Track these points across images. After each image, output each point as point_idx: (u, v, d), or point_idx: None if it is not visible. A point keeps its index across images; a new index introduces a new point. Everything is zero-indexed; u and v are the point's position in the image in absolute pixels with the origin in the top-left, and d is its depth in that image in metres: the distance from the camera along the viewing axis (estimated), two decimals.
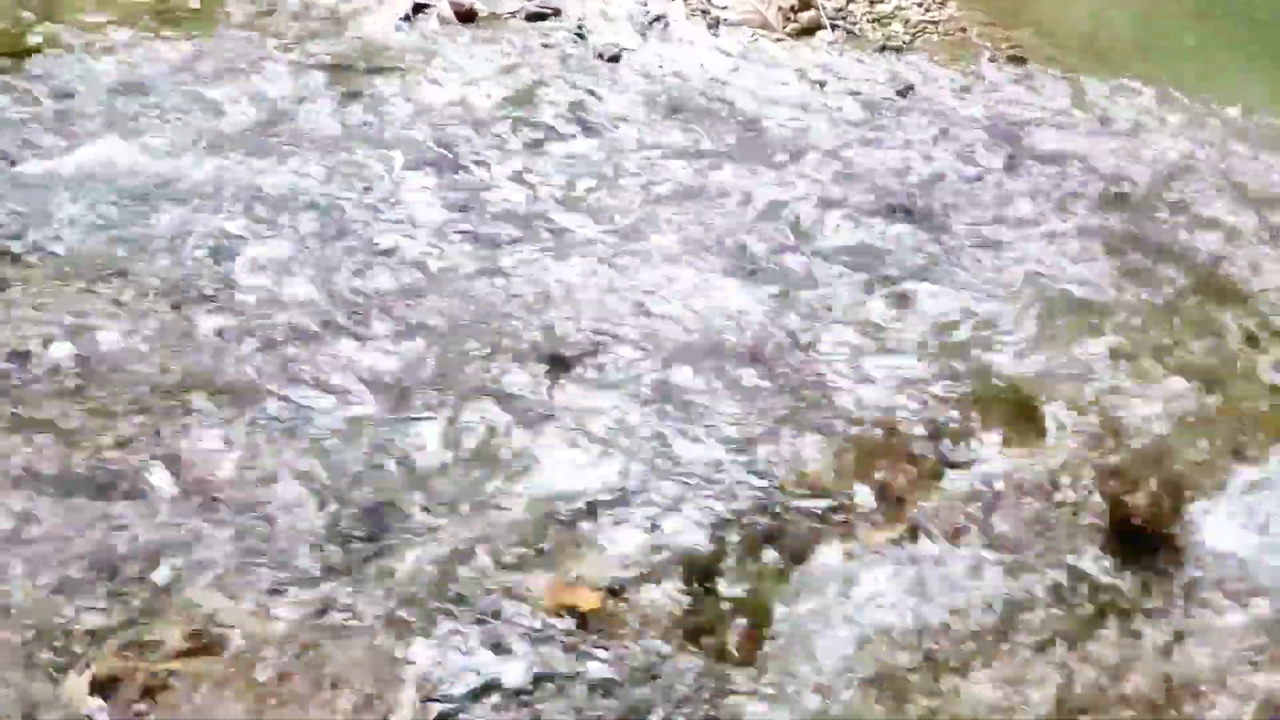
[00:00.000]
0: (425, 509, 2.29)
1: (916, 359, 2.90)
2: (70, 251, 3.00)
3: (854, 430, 2.67)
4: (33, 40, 4.01)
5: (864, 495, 2.50)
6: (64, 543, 2.12)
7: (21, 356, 2.62)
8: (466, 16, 4.67)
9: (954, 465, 2.61)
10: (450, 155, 3.70)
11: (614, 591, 2.15)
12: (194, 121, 3.68)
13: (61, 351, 2.61)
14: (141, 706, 1.85)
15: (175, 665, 1.90)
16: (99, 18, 4.30)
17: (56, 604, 1.99)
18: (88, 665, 1.87)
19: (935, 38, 4.89)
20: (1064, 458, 2.66)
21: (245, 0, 4.55)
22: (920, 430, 2.69)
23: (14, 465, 2.30)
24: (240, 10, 4.50)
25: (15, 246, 3.00)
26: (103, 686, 1.85)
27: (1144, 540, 2.50)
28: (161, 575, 2.07)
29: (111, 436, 2.42)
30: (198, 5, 4.48)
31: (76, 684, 1.83)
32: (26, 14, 4.20)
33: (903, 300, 3.11)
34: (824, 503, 2.47)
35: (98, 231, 3.09)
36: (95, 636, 1.92)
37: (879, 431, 2.68)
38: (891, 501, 2.51)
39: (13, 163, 3.37)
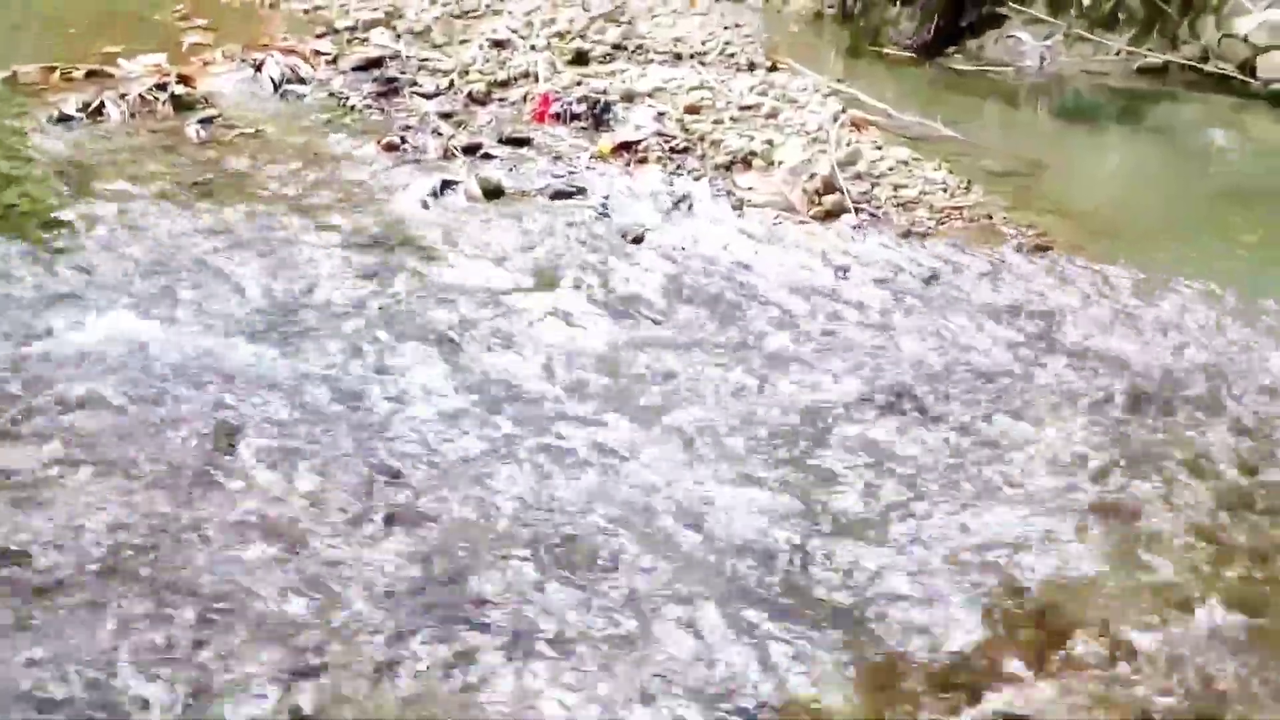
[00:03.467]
0: None
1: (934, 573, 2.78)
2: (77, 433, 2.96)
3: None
4: (64, 215, 4.07)
5: None
6: None
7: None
8: (492, 193, 4.74)
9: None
10: (461, 337, 3.67)
11: None
12: (213, 301, 3.69)
13: None
14: None
15: None
16: (132, 189, 4.39)
17: None
18: None
19: (960, 224, 4.90)
20: None
21: (277, 173, 4.66)
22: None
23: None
24: (272, 183, 4.59)
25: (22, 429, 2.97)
26: None
27: None
28: None
29: None
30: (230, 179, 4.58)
31: None
32: (62, 186, 4.30)
33: (912, 511, 3.00)
34: None
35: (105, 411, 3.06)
36: None
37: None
38: None
39: (34, 340, 3.37)
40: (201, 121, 5.02)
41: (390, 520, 2.81)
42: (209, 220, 4.21)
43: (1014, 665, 2.56)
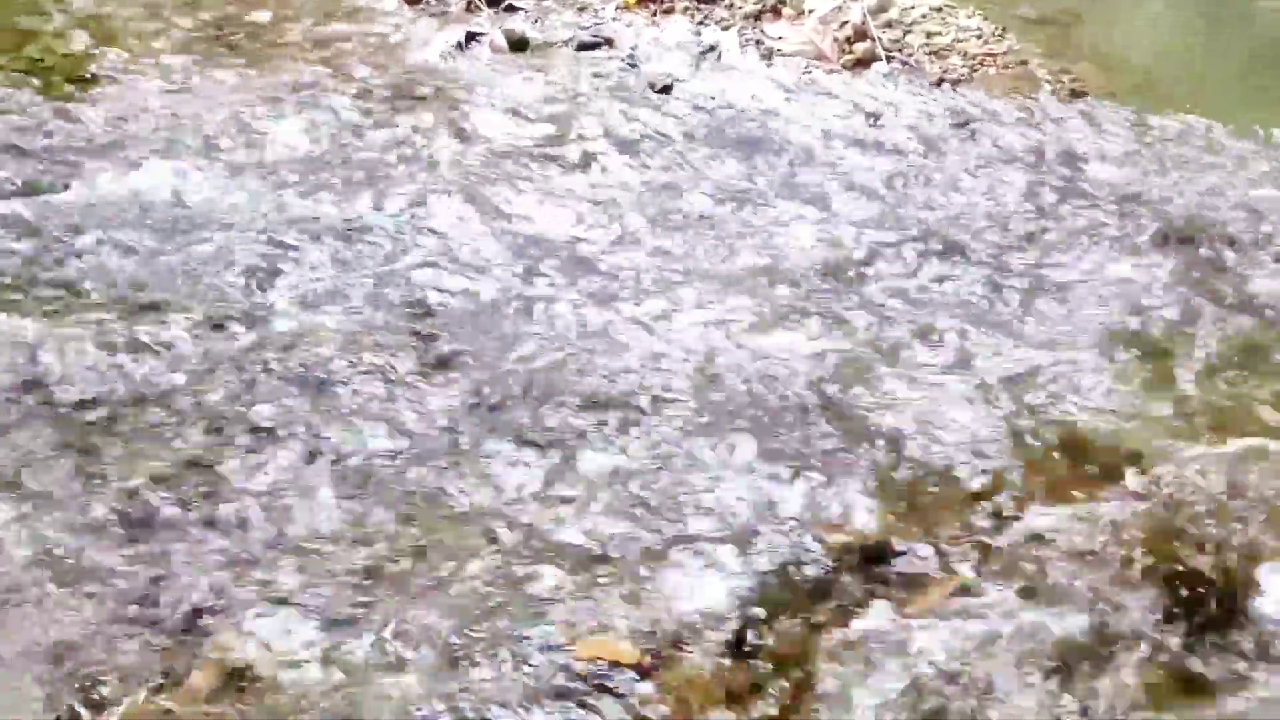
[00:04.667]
0: None
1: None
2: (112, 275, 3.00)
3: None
4: (89, 67, 4.05)
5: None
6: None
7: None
8: (518, 45, 4.66)
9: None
10: (490, 186, 3.66)
11: None
12: (240, 151, 3.68)
13: None
14: None
15: None
16: (155, 43, 4.35)
17: None
18: None
19: (994, 71, 4.79)
20: None
21: (299, 26, 4.60)
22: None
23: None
24: (294, 36, 4.53)
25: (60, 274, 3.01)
26: None
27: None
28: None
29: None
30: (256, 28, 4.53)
31: None
32: (85, 40, 4.26)
33: (954, 347, 3.02)
34: None
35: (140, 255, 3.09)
36: None
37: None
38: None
39: (66, 186, 3.38)
40: None
41: (431, 361, 2.86)
42: (232, 73, 4.18)
43: (1046, 490, 2.60)
